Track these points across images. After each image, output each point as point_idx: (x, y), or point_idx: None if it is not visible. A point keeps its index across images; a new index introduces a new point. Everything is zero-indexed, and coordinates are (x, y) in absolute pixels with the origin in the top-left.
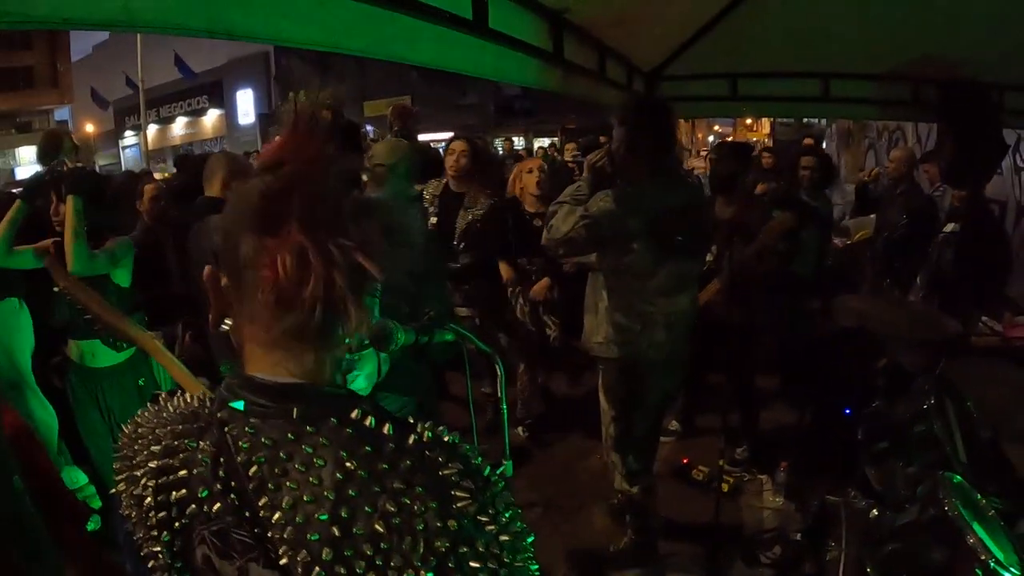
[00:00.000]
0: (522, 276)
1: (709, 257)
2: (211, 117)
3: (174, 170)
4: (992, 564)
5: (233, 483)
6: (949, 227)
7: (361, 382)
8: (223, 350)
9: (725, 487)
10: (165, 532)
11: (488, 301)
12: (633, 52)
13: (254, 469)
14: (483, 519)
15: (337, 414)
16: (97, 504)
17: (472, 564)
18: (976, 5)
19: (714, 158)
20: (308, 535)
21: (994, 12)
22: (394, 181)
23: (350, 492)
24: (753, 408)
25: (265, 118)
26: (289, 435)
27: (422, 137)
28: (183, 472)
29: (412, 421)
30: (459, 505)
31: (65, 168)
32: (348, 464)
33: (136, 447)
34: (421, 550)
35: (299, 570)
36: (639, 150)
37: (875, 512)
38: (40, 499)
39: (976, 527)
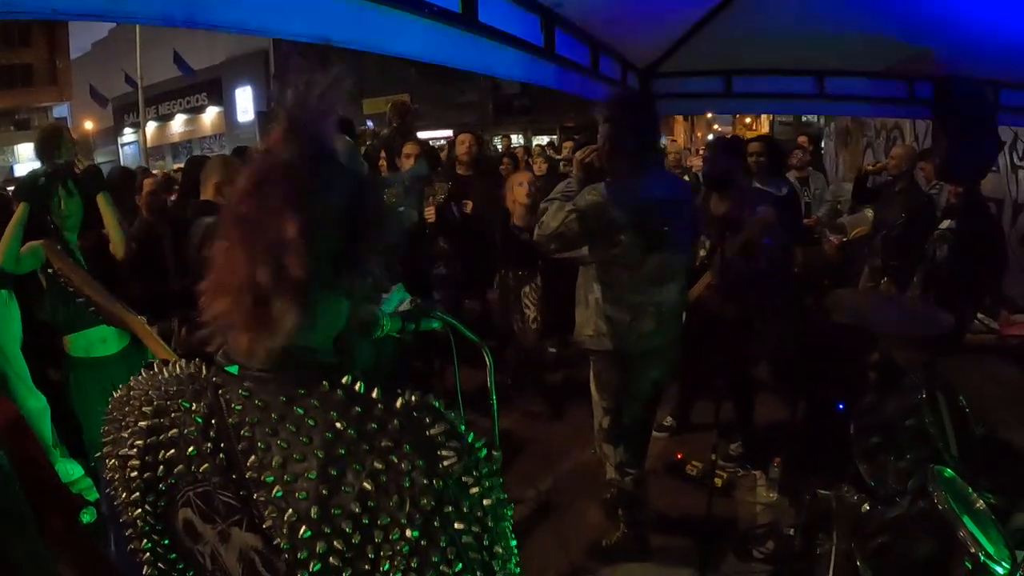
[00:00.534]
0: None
1: (702, 252)
2: (210, 114)
3: (173, 167)
4: (982, 557)
5: (223, 444)
6: (945, 224)
7: (387, 320)
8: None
9: (718, 482)
10: (150, 493)
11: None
12: (627, 49)
13: (245, 430)
14: (467, 480)
15: (328, 379)
16: (93, 496)
17: (456, 525)
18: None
19: (708, 155)
20: (296, 493)
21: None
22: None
23: (339, 451)
24: (747, 404)
25: (264, 115)
26: (282, 398)
27: (420, 134)
28: (173, 431)
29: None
30: (445, 464)
31: (77, 167)
32: (338, 424)
33: (126, 409)
34: (407, 508)
35: (285, 531)
36: (623, 145)
37: (866, 506)
38: (29, 487)
39: (966, 521)
